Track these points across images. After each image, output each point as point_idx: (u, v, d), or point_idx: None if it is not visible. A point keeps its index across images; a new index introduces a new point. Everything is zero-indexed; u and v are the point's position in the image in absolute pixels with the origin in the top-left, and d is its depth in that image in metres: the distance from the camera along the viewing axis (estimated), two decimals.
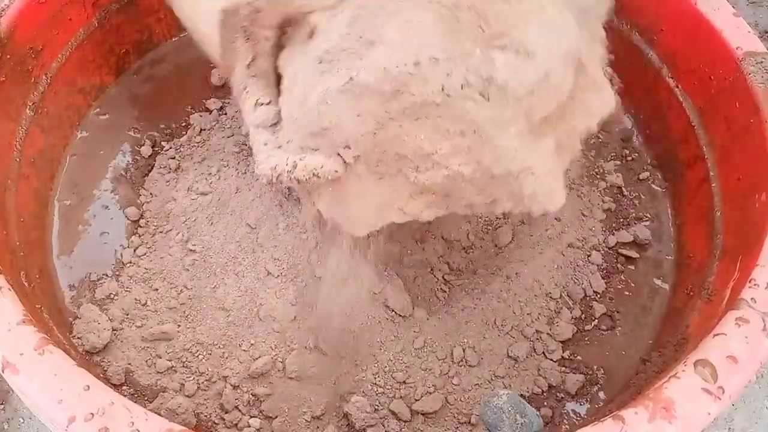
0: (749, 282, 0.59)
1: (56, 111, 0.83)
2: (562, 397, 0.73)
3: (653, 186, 0.89)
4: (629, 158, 0.91)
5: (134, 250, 0.78)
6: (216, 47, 0.66)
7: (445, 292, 0.78)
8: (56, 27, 0.81)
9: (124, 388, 0.69)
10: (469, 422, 0.70)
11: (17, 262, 0.69)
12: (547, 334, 0.76)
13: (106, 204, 0.82)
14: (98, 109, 0.90)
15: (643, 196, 0.88)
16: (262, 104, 0.61)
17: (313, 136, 0.56)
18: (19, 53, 0.75)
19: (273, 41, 0.62)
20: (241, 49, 0.62)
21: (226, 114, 0.90)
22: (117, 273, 0.77)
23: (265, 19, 0.60)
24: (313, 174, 0.57)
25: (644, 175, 0.90)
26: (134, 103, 0.92)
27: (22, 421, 0.93)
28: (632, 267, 0.82)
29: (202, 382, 0.69)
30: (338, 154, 0.57)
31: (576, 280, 0.80)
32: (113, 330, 0.71)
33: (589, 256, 0.82)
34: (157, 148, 0.87)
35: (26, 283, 0.68)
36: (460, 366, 0.73)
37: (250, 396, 0.69)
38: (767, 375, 1.00)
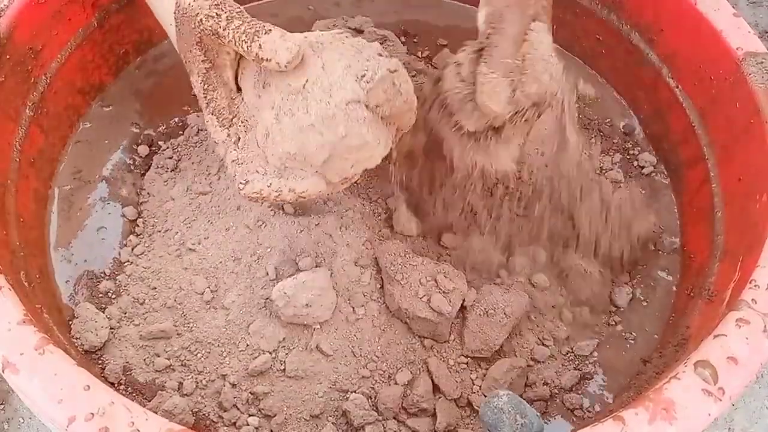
0: (750, 283, 0.59)
1: (56, 111, 0.83)
2: (561, 396, 0.73)
3: (655, 178, 0.89)
4: (631, 152, 0.91)
5: (132, 249, 0.78)
6: (173, 38, 0.64)
7: None
8: (56, 27, 0.80)
9: (122, 386, 0.69)
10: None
11: (17, 262, 0.69)
12: (547, 332, 0.76)
13: (105, 197, 0.82)
14: (101, 102, 0.90)
15: (643, 191, 0.88)
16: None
17: (292, 159, 0.61)
18: (19, 53, 0.75)
19: (235, 56, 0.62)
20: (198, 57, 0.61)
21: None
22: (115, 272, 0.76)
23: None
24: (299, 196, 0.62)
25: (647, 170, 0.89)
26: (136, 96, 0.92)
27: (22, 421, 0.94)
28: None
29: (201, 381, 0.69)
30: (317, 172, 0.62)
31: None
32: (111, 329, 0.71)
33: None
34: (154, 148, 0.87)
35: (26, 283, 0.68)
36: None
37: (249, 394, 0.69)
38: (767, 375, 1.00)
